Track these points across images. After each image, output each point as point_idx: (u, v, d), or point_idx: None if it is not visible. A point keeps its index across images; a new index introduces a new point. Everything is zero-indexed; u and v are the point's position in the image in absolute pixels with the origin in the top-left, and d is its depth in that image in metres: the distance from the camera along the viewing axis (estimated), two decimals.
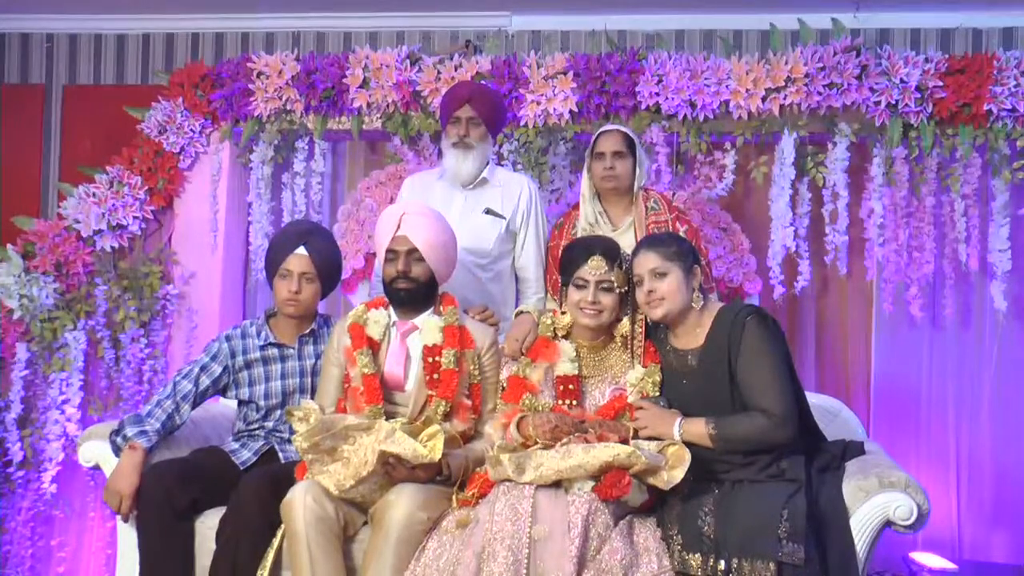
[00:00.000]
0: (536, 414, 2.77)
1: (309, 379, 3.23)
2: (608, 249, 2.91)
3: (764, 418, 2.67)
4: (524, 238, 3.51)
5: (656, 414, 2.75)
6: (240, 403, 3.28)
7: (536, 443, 2.69)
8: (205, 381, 3.18)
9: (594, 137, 3.42)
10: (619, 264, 2.89)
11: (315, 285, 3.19)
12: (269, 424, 3.22)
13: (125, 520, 2.98)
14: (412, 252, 2.98)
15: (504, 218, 3.46)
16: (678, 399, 2.82)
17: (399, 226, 2.99)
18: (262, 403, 3.21)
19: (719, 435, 2.68)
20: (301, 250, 3.15)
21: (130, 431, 3.01)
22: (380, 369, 2.97)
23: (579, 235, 3.33)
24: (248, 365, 3.22)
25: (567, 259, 2.95)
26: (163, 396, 3.13)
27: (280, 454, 3.17)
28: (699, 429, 2.70)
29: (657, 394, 2.84)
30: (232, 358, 3.22)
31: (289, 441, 3.09)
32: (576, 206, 3.46)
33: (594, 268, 2.86)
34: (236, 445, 3.20)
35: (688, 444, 2.67)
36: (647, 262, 2.81)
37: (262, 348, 3.23)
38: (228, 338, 3.25)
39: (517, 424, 2.77)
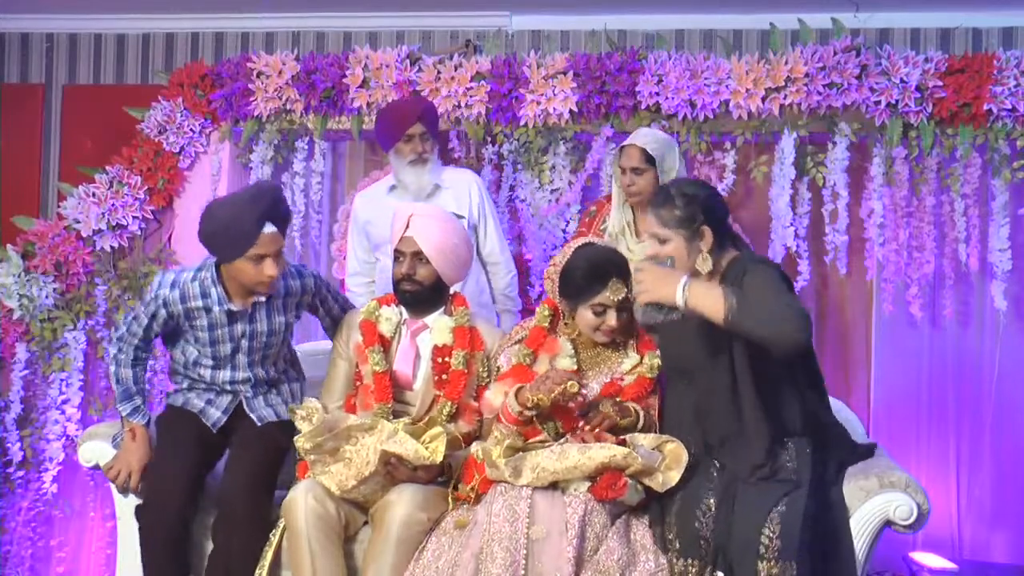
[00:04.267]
0: (533, 381, 2.73)
1: (260, 340, 3.05)
2: (621, 268, 2.80)
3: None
4: (486, 229, 3.62)
5: (659, 274, 2.49)
6: (183, 353, 3.12)
7: (532, 419, 2.68)
8: (155, 328, 3.05)
9: (619, 147, 3.51)
10: (629, 276, 2.82)
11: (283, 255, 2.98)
12: (225, 375, 3.08)
13: (135, 492, 2.99)
14: (418, 254, 2.97)
15: (463, 217, 3.52)
16: (682, 351, 2.68)
17: (407, 227, 2.98)
18: (209, 361, 3.07)
19: (733, 309, 2.36)
20: (269, 228, 2.89)
21: (125, 408, 3.03)
22: (390, 367, 2.98)
23: (607, 233, 3.31)
24: (193, 326, 3.02)
25: (579, 284, 2.79)
26: (123, 365, 3.06)
27: (251, 414, 3.08)
28: (713, 298, 2.38)
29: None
30: (174, 312, 3.00)
31: (256, 395, 3.09)
32: (609, 197, 3.49)
33: (615, 293, 2.76)
34: (201, 403, 3.09)
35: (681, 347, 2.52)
36: (650, 225, 2.68)
37: (209, 311, 2.99)
38: (170, 295, 2.99)
39: (515, 394, 2.73)
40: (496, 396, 2.83)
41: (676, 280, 2.43)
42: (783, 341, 2.38)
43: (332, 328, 3.24)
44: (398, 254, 3.00)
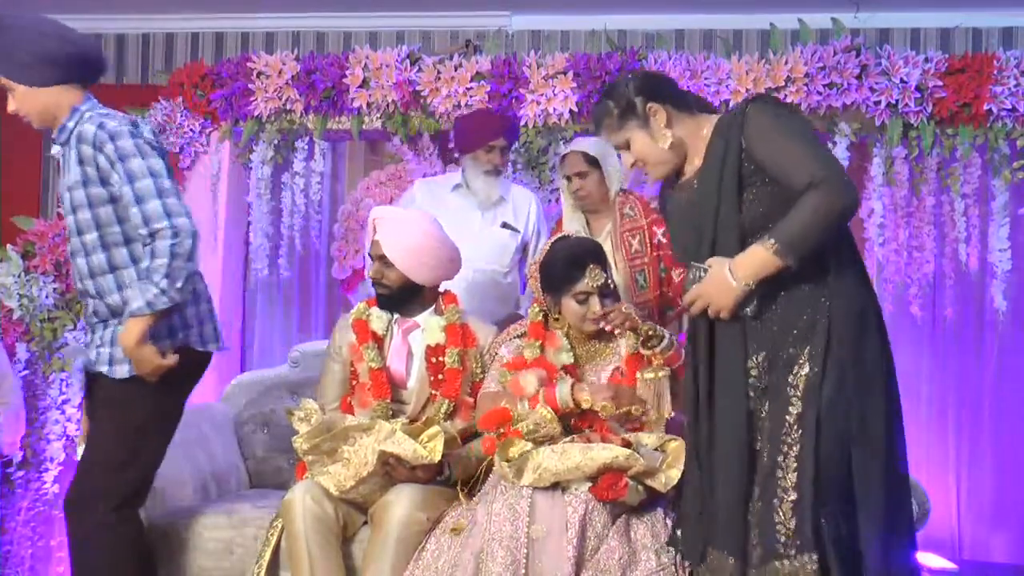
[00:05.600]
0: (593, 386, 2.77)
1: (65, 202, 2.61)
2: (596, 254, 2.83)
3: (813, 191, 2.13)
4: (535, 247, 3.65)
5: (709, 290, 2.24)
6: None
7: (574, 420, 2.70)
8: None
9: (560, 157, 3.53)
10: (606, 262, 2.85)
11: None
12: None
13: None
14: (382, 258, 2.96)
15: (519, 231, 3.63)
16: (680, 231, 2.46)
17: (374, 230, 2.99)
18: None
19: (780, 244, 2.14)
20: None
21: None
22: (384, 364, 2.99)
23: None
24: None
25: (558, 276, 2.82)
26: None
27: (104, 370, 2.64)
28: (757, 255, 2.16)
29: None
30: None
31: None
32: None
33: (594, 279, 2.77)
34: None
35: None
36: (608, 139, 2.46)
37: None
38: None
39: (571, 389, 2.71)
40: (529, 384, 2.78)
41: (723, 276, 2.21)
42: (844, 216, 2.18)
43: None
44: (370, 257, 3.02)
